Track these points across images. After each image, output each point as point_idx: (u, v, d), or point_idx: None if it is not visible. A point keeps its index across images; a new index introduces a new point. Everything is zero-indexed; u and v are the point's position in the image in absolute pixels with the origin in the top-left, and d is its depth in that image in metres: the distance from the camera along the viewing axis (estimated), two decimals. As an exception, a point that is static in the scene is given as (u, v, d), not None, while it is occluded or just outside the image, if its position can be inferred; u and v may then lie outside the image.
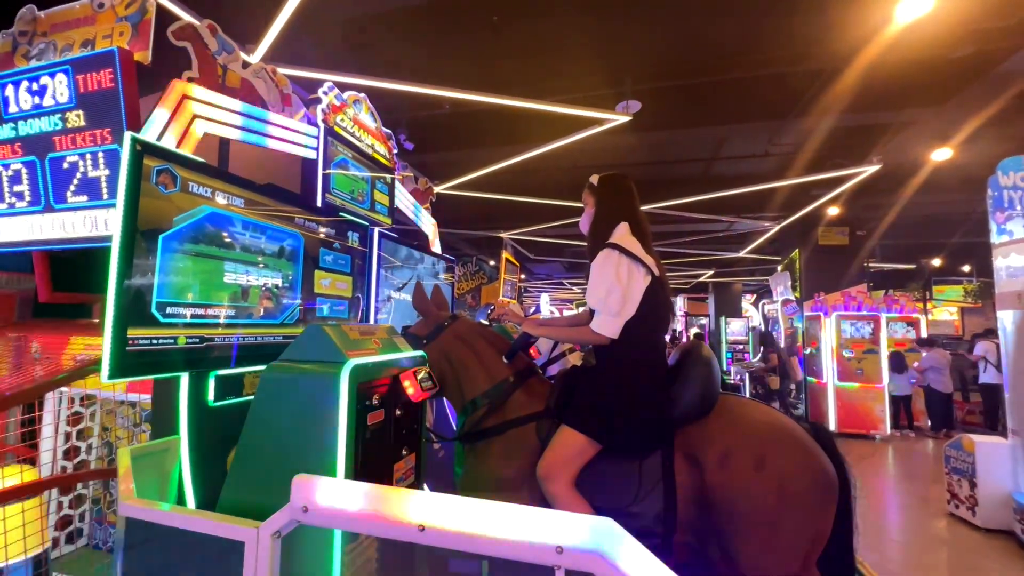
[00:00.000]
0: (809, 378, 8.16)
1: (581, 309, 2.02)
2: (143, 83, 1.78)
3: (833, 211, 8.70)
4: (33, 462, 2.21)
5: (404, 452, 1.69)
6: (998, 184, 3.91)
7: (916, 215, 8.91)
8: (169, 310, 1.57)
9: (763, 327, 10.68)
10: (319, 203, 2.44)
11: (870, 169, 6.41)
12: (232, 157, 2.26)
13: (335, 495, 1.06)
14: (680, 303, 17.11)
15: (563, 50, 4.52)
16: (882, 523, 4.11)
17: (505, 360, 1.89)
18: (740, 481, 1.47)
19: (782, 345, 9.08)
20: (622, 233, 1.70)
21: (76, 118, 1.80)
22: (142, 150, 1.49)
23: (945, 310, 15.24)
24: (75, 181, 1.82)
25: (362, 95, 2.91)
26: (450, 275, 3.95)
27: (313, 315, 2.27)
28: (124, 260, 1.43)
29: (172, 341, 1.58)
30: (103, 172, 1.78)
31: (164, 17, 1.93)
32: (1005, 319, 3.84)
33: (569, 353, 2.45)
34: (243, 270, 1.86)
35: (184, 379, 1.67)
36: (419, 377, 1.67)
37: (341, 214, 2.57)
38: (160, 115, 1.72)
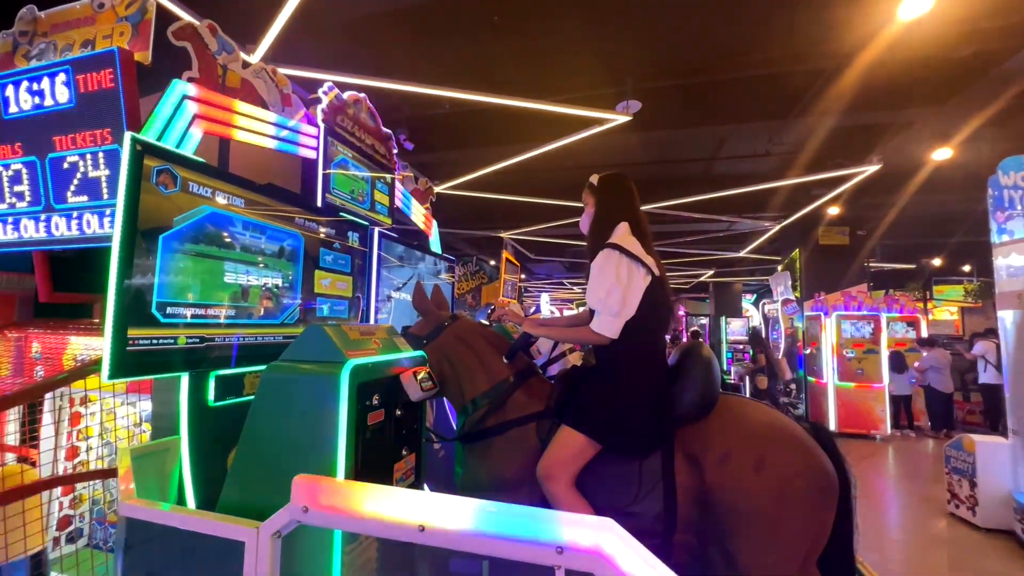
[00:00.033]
0: (809, 378, 8.15)
1: (581, 309, 2.02)
2: (143, 83, 1.78)
3: (833, 211, 8.69)
4: (33, 462, 2.21)
5: (404, 452, 1.69)
6: (998, 184, 3.91)
7: (916, 215, 8.90)
8: (169, 310, 1.57)
9: (759, 327, 10.67)
10: (319, 203, 2.44)
11: (870, 169, 6.41)
12: (232, 157, 2.26)
13: (335, 495, 1.06)
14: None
15: (563, 50, 4.52)
16: (882, 523, 4.11)
17: (505, 360, 1.89)
18: (740, 481, 1.47)
19: (782, 345, 9.07)
20: (622, 233, 1.70)
21: (76, 118, 1.80)
22: (142, 150, 1.49)
23: (945, 310, 15.23)
24: (75, 181, 1.82)
25: (362, 95, 2.91)
26: (450, 275, 3.95)
27: (313, 315, 2.27)
28: (124, 260, 1.43)
29: (172, 341, 1.58)
30: (103, 172, 1.78)
31: (164, 17, 1.93)
32: (1005, 319, 3.84)
33: (569, 353, 2.45)
34: (243, 270, 1.86)
35: (184, 379, 1.67)
36: (419, 377, 1.67)
37: (341, 214, 2.57)
38: (160, 115, 1.72)
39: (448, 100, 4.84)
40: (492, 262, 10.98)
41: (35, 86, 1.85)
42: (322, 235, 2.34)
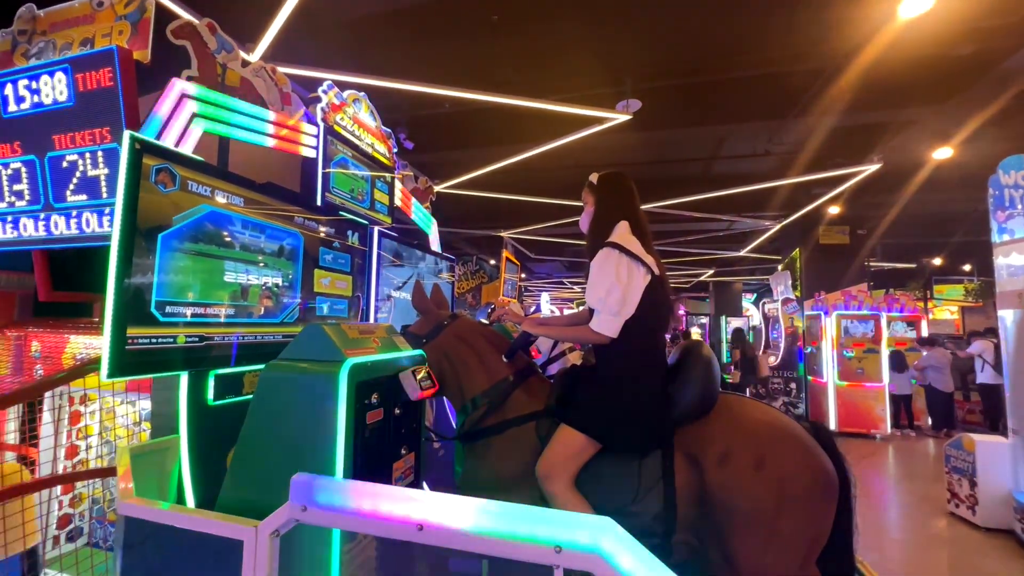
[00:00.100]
0: (809, 377, 8.16)
1: (581, 308, 2.02)
2: (142, 82, 1.78)
3: (834, 210, 8.69)
4: (33, 461, 2.21)
5: (403, 451, 1.69)
6: (999, 183, 3.91)
7: (917, 214, 8.90)
8: (168, 309, 1.57)
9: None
10: (319, 202, 2.44)
11: (871, 168, 6.40)
12: (232, 156, 2.26)
13: (334, 494, 1.06)
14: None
15: (563, 49, 4.52)
16: (882, 522, 4.11)
17: (505, 359, 1.89)
18: (740, 480, 1.47)
19: (782, 344, 9.09)
20: (622, 232, 1.70)
21: (75, 117, 1.80)
22: (141, 149, 1.49)
23: (946, 309, 15.22)
24: (74, 180, 1.82)
25: (362, 94, 2.91)
26: (450, 274, 3.95)
27: (313, 314, 2.27)
28: (123, 259, 1.43)
29: (171, 340, 1.58)
30: (102, 171, 1.77)
31: (163, 16, 1.92)
32: (1006, 318, 3.83)
33: (569, 352, 2.45)
34: (243, 269, 1.86)
35: (184, 378, 1.67)
36: (419, 376, 1.67)
37: (341, 213, 2.57)
38: (159, 114, 1.72)
39: (448, 99, 4.83)
40: (492, 261, 10.98)
41: (34, 85, 1.85)
42: (322, 234, 2.34)
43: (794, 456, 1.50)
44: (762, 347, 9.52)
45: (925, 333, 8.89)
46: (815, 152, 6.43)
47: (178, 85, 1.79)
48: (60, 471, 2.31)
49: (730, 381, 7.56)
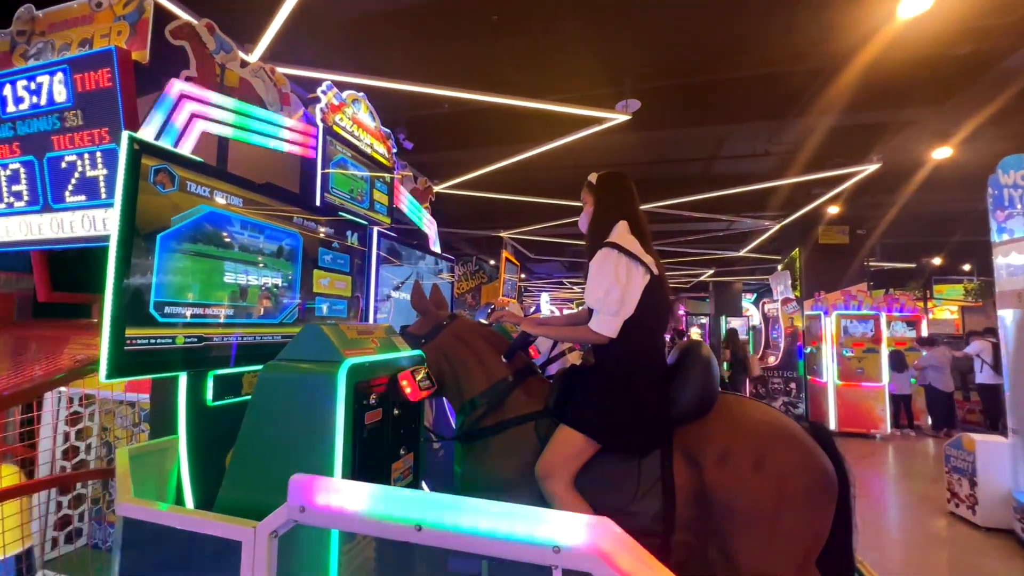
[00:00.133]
0: (807, 377, 8.16)
1: (580, 308, 2.02)
2: (141, 82, 1.78)
3: (833, 210, 8.69)
4: (32, 462, 2.21)
5: (402, 451, 1.69)
6: (998, 183, 3.91)
7: (916, 214, 8.91)
8: (167, 310, 1.57)
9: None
10: (318, 202, 2.44)
11: (870, 168, 6.41)
12: (231, 156, 2.26)
13: (332, 495, 1.06)
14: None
15: (563, 49, 4.52)
16: (882, 522, 4.11)
17: (504, 359, 1.89)
18: (739, 480, 1.47)
19: (782, 344, 9.09)
20: (621, 232, 1.70)
21: (74, 117, 1.80)
22: (140, 149, 1.49)
23: (946, 309, 15.22)
24: (73, 181, 1.82)
25: (361, 94, 2.91)
26: (450, 275, 3.95)
27: (312, 314, 2.27)
28: (122, 260, 1.43)
29: (170, 341, 1.58)
30: (101, 172, 1.77)
31: (162, 16, 1.92)
32: (1005, 318, 3.83)
33: (568, 352, 2.45)
34: (242, 270, 1.86)
35: (183, 379, 1.66)
36: (417, 377, 1.67)
37: (340, 213, 2.57)
38: (158, 114, 1.72)
39: (447, 99, 4.83)
40: (492, 262, 10.98)
41: (33, 85, 1.85)
42: (321, 234, 2.34)
43: (793, 456, 1.49)
44: (762, 347, 9.53)
45: (925, 333, 8.89)
46: (814, 152, 6.43)
47: (177, 86, 1.79)
48: (59, 472, 2.31)
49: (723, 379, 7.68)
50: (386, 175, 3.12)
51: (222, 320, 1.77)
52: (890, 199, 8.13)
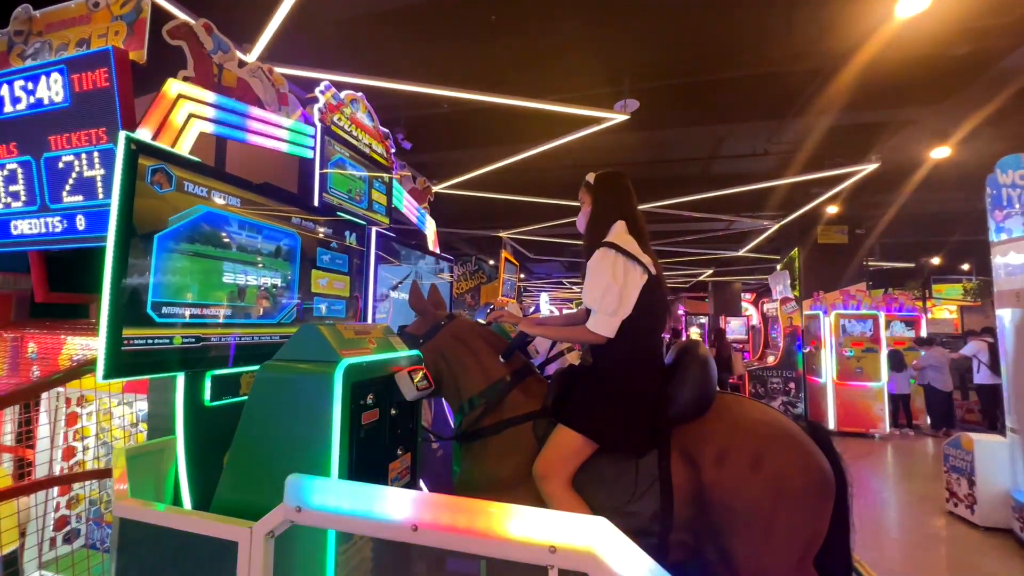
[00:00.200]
0: (803, 375, 8.16)
1: (579, 308, 2.02)
2: (138, 82, 1.77)
3: (832, 210, 8.71)
4: (30, 462, 2.21)
5: (400, 452, 1.69)
6: (996, 182, 3.91)
7: (915, 213, 8.92)
8: (165, 310, 1.57)
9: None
10: (316, 202, 2.44)
11: (869, 168, 6.41)
12: (229, 156, 2.26)
13: (328, 495, 1.05)
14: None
15: (561, 49, 4.52)
16: (881, 521, 4.11)
17: (502, 359, 1.89)
18: (737, 480, 1.47)
19: (781, 344, 9.10)
20: (619, 231, 1.70)
21: (71, 117, 1.79)
22: (137, 149, 1.49)
23: (945, 308, 15.23)
24: (70, 181, 1.82)
25: (359, 94, 2.91)
26: (448, 275, 3.95)
27: (311, 315, 2.27)
28: (119, 260, 1.43)
29: (168, 341, 1.57)
30: (98, 172, 1.77)
31: (159, 16, 1.92)
32: (1004, 317, 3.84)
33: (567, 352, 2.45)
34: (240, 270, 1.85)
35: (180, 379, 1.66)
36: (415, 377, 1.67)
37: (339, 213, 2.57)
38: (155, 114, 1.71)
39: (446, 99, 4.83)
40: (491, 261, 10.97)
41: (30, 85, 1.84)
42: (319, 235, 2.34)
43: (791, 455, 1.50)
44: (761, 347, 9.53)
45: (924, 333, 8.90)
46: (813, 152, 6.44)
47: (174, 85, 1.78)
48: (57, 472, 2.30)
49: None
50: (384, 175, 3.12)
51: (220, 320, 1.77)
52: (889, 199, 8.14)
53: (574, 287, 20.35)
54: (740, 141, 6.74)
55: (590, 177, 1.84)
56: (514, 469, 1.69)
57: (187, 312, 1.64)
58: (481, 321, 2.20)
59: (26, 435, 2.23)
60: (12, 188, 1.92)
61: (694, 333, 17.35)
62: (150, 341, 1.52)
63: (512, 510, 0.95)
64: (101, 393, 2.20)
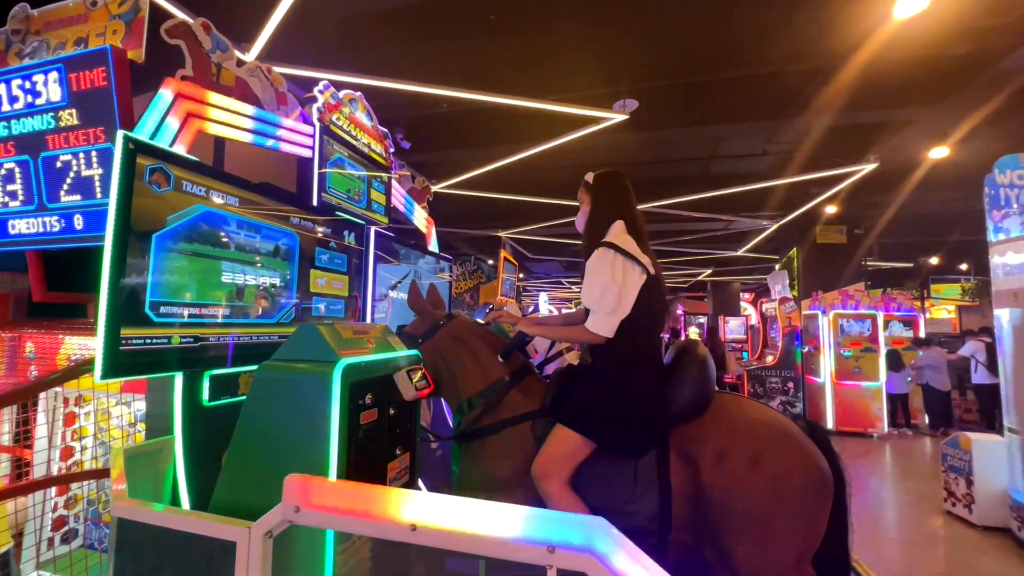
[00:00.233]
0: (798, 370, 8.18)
1: (578, 307, 2.02)
2: (136, 81, 1.77)
3: (831, 209, 8.71)
4: (28, 462, 2.20)
5: (398, 451, 1.68)
6: (995, 182, 3.92)
7: (914, 213, 8.93)
8: (163, 310, 1.56)
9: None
10: (315, 202, 2.44)
11: (867, 168, 6.42)
12: (227, 156, 2.26)
13: (327, 495, 1.05)
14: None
15: (560, 49, 4.52)
16: (879, 521, 4.12)
17: (501, 359, 1.89)
18: (735, 480, 1.47)
19: (780, 344, 9.11)
20: (618, 231, 1.70)
21: (69, 117, 1.79)
22: (135, 149, 1.49)
23: (943, 308, 15.26)
24: (68, 180, 1.81)
25: (358, 94, 2.90)
26: (448, 274, 3.95)
27: (309, 314, 2.27)
28: (117, 259, 1.43)
29: (166, 341, 1.57)
30: (96, 171, 1.77)
31: (158, 15, 1.92)
32: (1001, 317, 3.85)
33: (566, 352, 2.45)
34: (238, 269, 1.85)
35: (178, 379, 1.66)
36: (414, 377, 1.67)
37: (337, 213, 2.57)
38: (153, 114, 1.71)
39: (445, 99, 4.83)
40: (490, 261, 10.97)
41: (28, 84, 1.84)
42: (318, 234, 2.34)
43: (789, 455, 1.50)
44: (760, 347, 9.56)
45: (923, 332, 8.92)
46: (812, 152, 6.44)
47: (172, 85, 1.78)
48: (55, 472, 2.30)
49: None
50: (383, 175, 3.11)
51: (219, 320, 1.77)
52: (887, 199, 8.15)
53: (573, 287, 20.36)
54: (739, 141, 6.74)
55: (589, 177, 1.84)
56: (513, 469, 1.69)
57: (185, 312, 1.64)
58: (480, 321, 2.20)
59: (24, 435, 2.23)
60: (10, 187, 1.92)
61: (693, 333, 17.36)
62: (148, 341, 1.52)
63: (511, 510, 0.95)
64: (99, 393, 2.20)
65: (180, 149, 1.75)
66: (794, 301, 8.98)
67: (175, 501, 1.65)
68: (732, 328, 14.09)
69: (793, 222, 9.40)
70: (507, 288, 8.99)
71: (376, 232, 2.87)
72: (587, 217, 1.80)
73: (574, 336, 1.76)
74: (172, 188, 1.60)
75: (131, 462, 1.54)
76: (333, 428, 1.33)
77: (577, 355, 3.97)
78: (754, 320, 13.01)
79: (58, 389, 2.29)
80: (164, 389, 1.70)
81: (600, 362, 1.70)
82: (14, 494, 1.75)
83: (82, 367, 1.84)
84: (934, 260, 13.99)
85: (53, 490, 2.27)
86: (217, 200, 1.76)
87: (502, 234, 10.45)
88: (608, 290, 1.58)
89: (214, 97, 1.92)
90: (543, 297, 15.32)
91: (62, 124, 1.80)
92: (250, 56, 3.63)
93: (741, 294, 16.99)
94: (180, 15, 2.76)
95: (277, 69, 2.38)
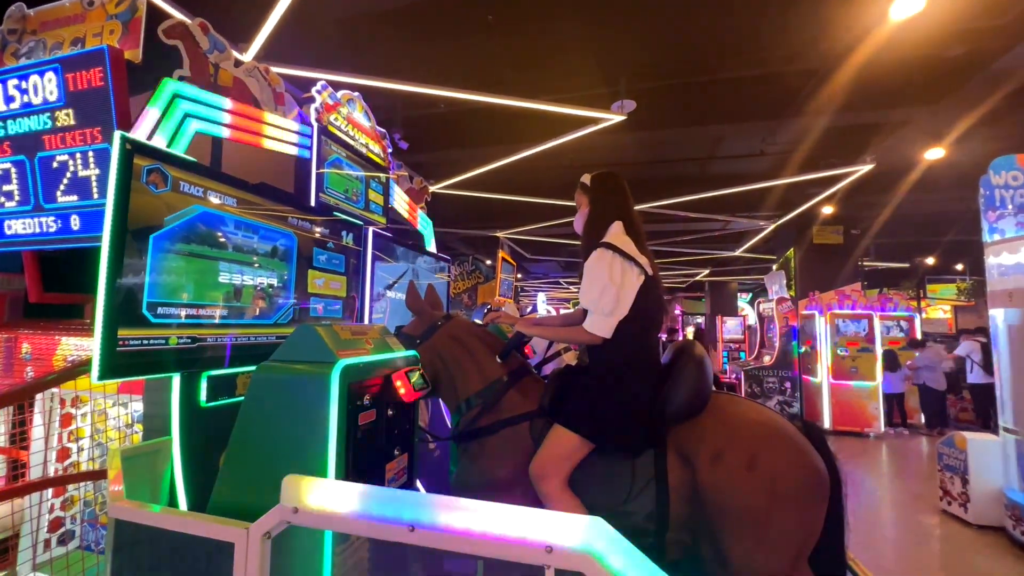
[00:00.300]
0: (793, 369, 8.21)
1: (576, 308, 2.03)
2: (133, 82, 1.77)
3: (828, 210, 8.75)
4: (24, 463, 2.19)
5: (397, 452, 1.69)
6: (990, 183, 3.94)
7: (910, 214, 8.98)
8: (160, 310, 1.56)
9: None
10: (313, 202, 2.43)
11: (864, 168, 6.45)
12: (225, 156, 2.25)
13: (325, 496, 1.05)
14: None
15: (558, 49, 4.52)
16: (875, 520, 4.14)
17: (499, 360, 1.89)
18: (732, 479, 1.48)
19: (777, 344, 9.14)
20: (616, 232, 1.70)
21: (66, 117, 1.78)
22: (132, 149, 1.48)
23: (939, 308, 15.34)
24: (65, 180, 1.81)
25: (356, 94, 2.90)
26: (446, 275, 3.95)
27: (307, 315, 2.26)
28: (114, 260, 1.42)
29: (163, 341, 1.57)
30: (93, 171, 1.76)
31: (155, 15, 1.91)
32: (996, 317, 3.87)
33: (564, 352, 2.46)
34: (236, 270, 1.85)
35: (176, 380, 1.65)
36: (412, 377, 1.67)
37: (335, 213, 2.57)
38: (151, 114, 1.71)
39: (443, 99, 4.83)
40: (488, 261, 10.96)
41: (24, 84, 1.83)
42: (316, 235, 2.33)
43: (786, 455, 1.50)
44: (757, 346, 9.61)
45: (919, 332, 8.96)
46: (809, 152, 6.47)
47: (170, 85, 1.78)
48: (51, 474, 2.29)
49: None
50: (381, 175, 3.11)
51: (216, 321, 1.76)
52: (884, 199, 8.19)
53: (571, 287, 20.38)
54: (736, 142, 6.76)
55: (585, 179, 1.85)
56: (511, 469, 1.69)
57: (183, 312, 1.64)
58: (478, 321, 2.20)
59: (20, 436, 2.22)
60: (6, 188, 1.91)
61: (690, 333, 17.40)
62: (145, 341, 1.51)
63: (509, 510, 0.95)
64: (96, 394, 2.19)
65: (178, 150, 1.75)
66: (791, 301, 9.01)
67: (172, 502, 1.64)
68: (729, 328, 14.12)
69: (790, 222, 9.44)
70: (505, 288, 8.98)
71: (374, 232, 2.87)
72: (586, 218, 1.80)
73: (572, 336, 1.76)
74: (169, 188, 1.60)
75: (128, 463, 1.53)
76: (331, 429, 1.33)
77: (575, 355, 3.98)
78: (752, 320, 13.05)
79: (55, 390, 2.28)
80: (161, 390, 1.69)
81: (598, 362, 1.70)
82: (10, 495, 1.74)
83: (79, 368, 1.84)
84: (930, 260, 14.06)
85: (49, 492, 2.26)
86: (215, 200, 1.76)
87: (500, 234, 10.46)
88: (607, 291, 1.58)
89: (212, 97, 1.92)
90: (541, 297, 15.31)
91: (59, 124, 1.80)
92: (248, 56, 3.63)
93: (739, 294, 17.05)
94: (177, 15, 2.76)
95: (275, 69, 2.37)
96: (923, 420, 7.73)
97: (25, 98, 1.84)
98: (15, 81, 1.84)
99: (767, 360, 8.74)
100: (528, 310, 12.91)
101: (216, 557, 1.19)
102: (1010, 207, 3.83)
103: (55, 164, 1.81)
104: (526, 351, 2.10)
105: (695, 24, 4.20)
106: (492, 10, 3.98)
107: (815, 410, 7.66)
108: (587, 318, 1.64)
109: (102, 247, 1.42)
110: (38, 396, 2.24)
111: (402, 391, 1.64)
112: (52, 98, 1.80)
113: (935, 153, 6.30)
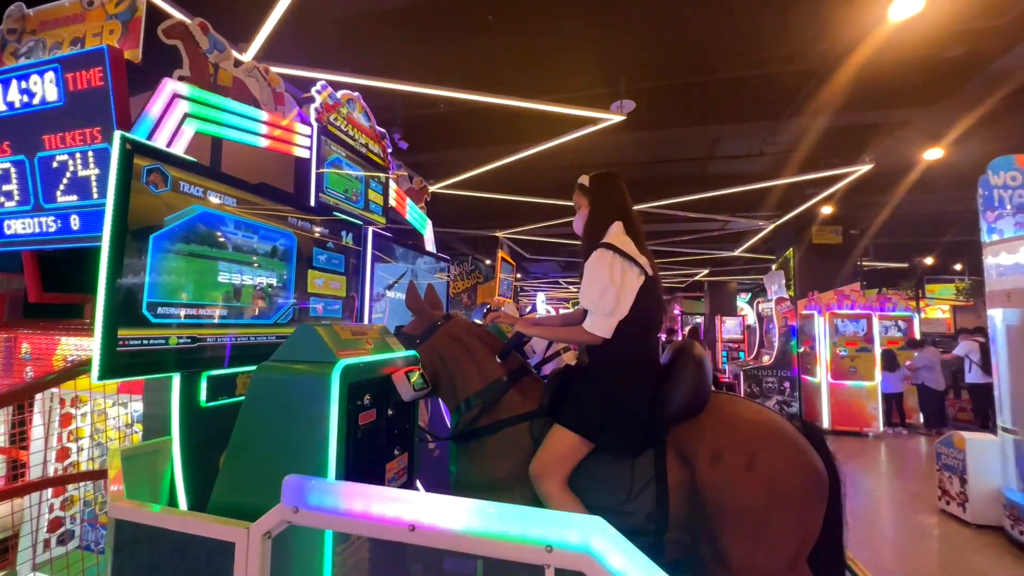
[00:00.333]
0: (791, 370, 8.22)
1: (576, 308, 2.03)
2: (133, 82, 1.77)
3: (827, 210, 8.76)
4: (24, 463, 2.19)
5: (397, 452, 1.69)
6: (988, 183, 3.95)
7: (909, 214, 8.99)
8: (160, 310, 1.56)
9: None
10: (312, 202, 2.44)
11: (863, 168, 6.46)
12: (225, 156, 2.25)
13: (325, 495, 1.06)
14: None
15: (558, 49, 4.53)
16: (874, 520, 4.14)
17: (499, 359, 1.89)
18: (731, 479, 1.48)
19: (776, 343, 9.15)
20: (616, 232, 1.71)
21: (65, 117, 1.78)
22: (132, 149, 1.48)
23: (938, 308, 15.36)
24: (65, 180, 1.81)
25: (356, 94, 2.90)
26: (445, 274, 3.95)
27: (307, 315, 2.27)
28: (114, 260, 1.42)
29: (163, 341, 1.57)
30: (93, 171, 1.76)
31: (155, 15, 1.91)
32: (995, 317, 3.88)
33: (564, 352, 2.46)
34: (236, 270, 1.85)
35: (176, 380, 1.66)
36: (412, 377, 1.67)
37: (335, 213, 2.57)
38: (151, 114, 1.71)
39: (443, 99, 4.83)
40: (488, 261, 10.97)
41: (24, 84, 1.83)
42: (316, 234, 2.34)
43: (785, 455, 1.51)
44: (756, 346, 9.62)
45: (918, 332, 8.97)
46: (808, 152, 6.48)
47: (169, 85, 1.78)
48: (51, 474, 2.29)
49: None
50: (381, 175, 3.11)
51: (216, 320, 1.77)
52: (883, 199, 8.20)
53: (571, 287, 20.39)
54: (736, 142, 6.76)
55: (584, 179, 1.85)
56: (511, 469, 1.70)
57: (183, 312, 1.64)
58: (478, 321, 2.20)
59: (20, 436, 2.22)
60: (6, 187, 1.91)
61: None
62: (145, 341, 1.51)
63: (509, 509, 0.96)
64: (95, 394, 2.19)
65: (177, 150, 1.75)
66: (790, 301, 9.02)
67: (172, 502, 1.64)
68: (728, 328, 14.14)
69: (789, 222, 9.44)
70: (504, 288, 8.99)
71: (374, 232, 2.87)
72: (585, 219, 1.81)
73: (572, 337, 1.77)
74: (169, 188, 1.60)
75: (128, 463, 1.53)
76: (332, 429, 1.34)
77: (575, 355, 3.98)
78: (751, 320, 13.06)
79: (54, 390, 2.28)
80: (161, 390, 1.69)
81: (598, 362, 1.71)
82: (10, 495, 1.74)
83: (79, 368, 1.84)
84: (929, 260, 14.07)
85: (49, 491, 2.26)
86: (214, 200, 1.76)
87: (499, 234, 10.47)
88: (607, 291, 1.58)
89: (212, 97, 1.92)
90: (540, 297, 15.32)
91: (58, 124, 1.79)
92: (247, 56, 3.63)
93: (738, 294, 17.07)
94: (177, 15, 2.75)
95: (274, 69, 2.37)
96: (922, 420, 7.75)
97: (25, 98, 1.84)
98: (15, 81, 1.84)
99: (766, 360, 8.75)
100: (527, 310, 12.92)
101: (216, 557, 1.19)
102: (1009, 207, 3.84)
103: (55, 164, 1.81)
104: (526, 351, 2.11)
105: (695, 24, 4.20)
106: (492, 10, 3.98)
107: (814, 410, 7.68)
108: (587, 318, 1.65)
109: (102, 247, 1.42)
110: (38, 396, 2.24)
111: (402, 391, 1.64)
112: (52, 98, 1.80)
113: (934, 153, 6.32)
